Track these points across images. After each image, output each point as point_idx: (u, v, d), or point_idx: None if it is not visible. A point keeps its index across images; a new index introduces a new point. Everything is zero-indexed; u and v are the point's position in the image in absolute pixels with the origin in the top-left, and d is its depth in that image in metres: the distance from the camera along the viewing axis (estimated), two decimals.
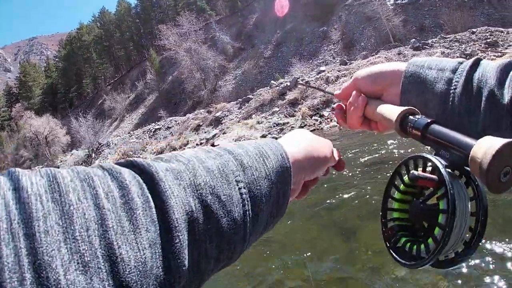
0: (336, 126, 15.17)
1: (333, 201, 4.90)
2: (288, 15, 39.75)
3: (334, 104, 17.42)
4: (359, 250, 3.33)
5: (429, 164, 0.50)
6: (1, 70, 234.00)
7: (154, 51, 51.84)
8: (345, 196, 4.98)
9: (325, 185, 5.49)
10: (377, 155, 7.07)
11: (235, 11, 52.23)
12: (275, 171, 0.46)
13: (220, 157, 0.42)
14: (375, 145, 8.00)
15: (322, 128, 15.51)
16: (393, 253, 0.54)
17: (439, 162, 0.48)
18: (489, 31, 18.63)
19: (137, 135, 29.04)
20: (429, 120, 0.53)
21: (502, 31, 18.46)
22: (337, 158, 0.63)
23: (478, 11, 26.22)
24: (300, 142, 0.56)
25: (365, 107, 0.68)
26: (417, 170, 0.52)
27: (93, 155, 30.97)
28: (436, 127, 0.52)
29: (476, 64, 0.58)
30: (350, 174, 5.99)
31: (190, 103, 39.07)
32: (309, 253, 3.43)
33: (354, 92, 0.70)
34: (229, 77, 38.89)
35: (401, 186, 0.57)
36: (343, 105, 0.75)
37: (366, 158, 7.01)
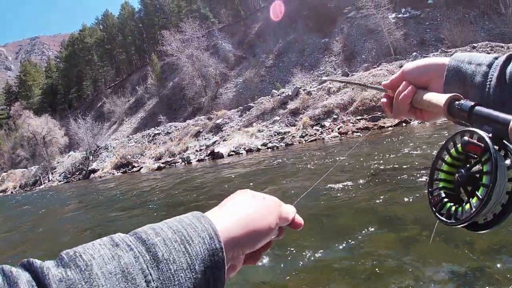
0: (337, 136, 15.21)
1: (335, 209, 4.90)
2: (290, 26, 40.00)
3: (335, 115, 17.52)
4: (361, 258, 3.32)
5: (475, 136, 0.59)
6: (2, 68, 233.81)
7: (156, 56, 51.85)
8: (347, 204, 4.98)
9: (326, 194, 5.50)
10: (377, 165, 7.10)
11: (238, 20, 52.39)
12: (200, 257, 0.40)
13: (128, 252, 0.37)
14: (375, 155, 8.02)
15: (323, 138, 15.54)
16: (439, 216, 0.64)
17: (484, 133, 0.57)
18: (489, 46, 18.80)
19: (136, 139, 28.99)
20: (473, 103, 0.62)
21: (502, 46, 18.63)
22: (291, 217, 0.58)
23: (478, 26, 26.46)
24: (238, 212, 0.50)
25: (413, 95, 0.76)
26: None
27: (91, 157, 30.89)
28: (480, 107, 0.61)
29: (509, 60, 0.65)
30: (352, 183, 6.00)
31: (190, 109, 39.03)
32: (311, 261, 3.43)
33: (404, 82, 0.78)
34: (230, 84, 38.93)
35: (448, 159, 0.66)
36: (389, 96, 0.82)
37: (367, 168, 7.03)
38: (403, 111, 0.78)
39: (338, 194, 5.60)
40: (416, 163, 6.55)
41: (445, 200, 0.65)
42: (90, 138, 32.34)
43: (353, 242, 3.71)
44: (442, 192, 0.66)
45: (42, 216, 11.52)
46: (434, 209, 0.66)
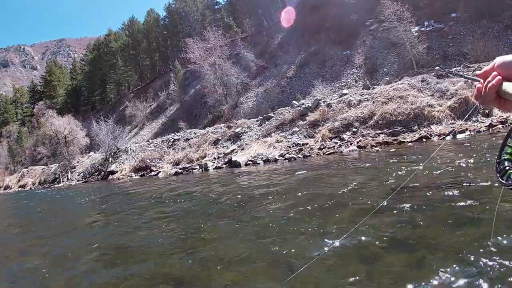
0: (356, 150, 15.12)
1: (350, 227, 4.88)
2: (312, 37, 40.10)
3: (355, 128, 17.45)
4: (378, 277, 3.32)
5: None
6: (28, 67, 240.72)
7: (179, 63, 52.62)
8: (362, 220, 4.94)
9: (337, 212, 5.50)
10: (391, 180, 7.06)
11: (260, 30, 52.83)
12: None
13: None
14: (388, 170, 7.96)
15: (341, 152, 15.46)
16: (500, 179, 0.84)
17: None
18: None
19: (155, 143, 29.37)
20: None
21: None
22: None
23: (501, 41, 25.97)
24: None
25: (499, 86, 0.89)
26: None
27: (111, 159, 31.40)
28: None
29: None
30: (365, 198, 5.96)
31: (211, 117, 39.40)
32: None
33: (494, 73, 0.91)
34: (251, 94, 39.15)
35: None
36: (481, 85, 0.96)
37: (381, 184, 7.00)
38: (490, 99, 0.92)
39: (350, 211, 5.59)
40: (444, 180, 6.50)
41: (507, 168, 0.86)
42: (110, 140, 32.85)
43: (370, 262, 3.72)
44: (506, 162, 0.87)
45: (57, 212, 11.80)
46: (498, 175, 0.87)
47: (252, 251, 4.51)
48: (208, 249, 4.85)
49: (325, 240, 4.38)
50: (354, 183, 7.51)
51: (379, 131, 16.42)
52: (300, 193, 7.57)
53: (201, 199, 9.48)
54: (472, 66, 19.21)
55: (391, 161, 10.17)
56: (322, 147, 16.75)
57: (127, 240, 6.30)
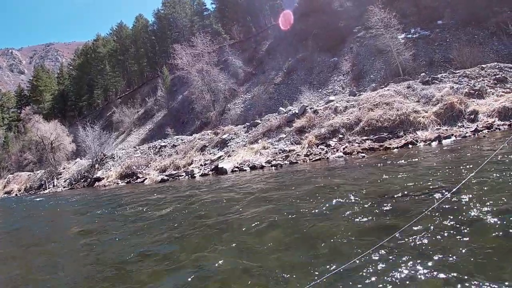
0: (342, 156, 15.13)
1: (330, 232, 4.81)
2: (300, 43, 40.30)
3: (341, 134, 17.46)
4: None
5: None
6: (16, 71, 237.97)
7: (167, 69, 52.47)
8: (342, 226, 4.89)
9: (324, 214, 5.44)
10: (378, 187, 7.02)
11: (249, 37, 52.99)
12: None
13: None
14: (378, 177, 7.95)
15: (327, 158, 15.44)
16: None
17: None
18: (498, 67, 18.62)
19: (142, 150, 29.06)
20: None
21: (511, 68, 18.49)
22: None
23: (487, 47, 26.31)
24: None
25: None
26: None
27: (97, 165, 30.99)
28: None
29: None
30: (349, 205, 5.90)
31: (198, 123, 39.21)
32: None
33: None
34: (238, 100, 39.08)
35: None
36: None
37: (366, 190, 6.96)
38: None
39: (335, 216, 5.53)
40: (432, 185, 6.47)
41: None
42: (97, 147, 32.45)
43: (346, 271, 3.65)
44: None
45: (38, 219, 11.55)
46: None
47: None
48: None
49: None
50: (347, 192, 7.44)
51: (365, 138, 16.45)
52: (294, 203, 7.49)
53: (181, 208, 9.33)
54: (458, 72, 19.40)
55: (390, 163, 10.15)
56: (308, 153, 16.71)
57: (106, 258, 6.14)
